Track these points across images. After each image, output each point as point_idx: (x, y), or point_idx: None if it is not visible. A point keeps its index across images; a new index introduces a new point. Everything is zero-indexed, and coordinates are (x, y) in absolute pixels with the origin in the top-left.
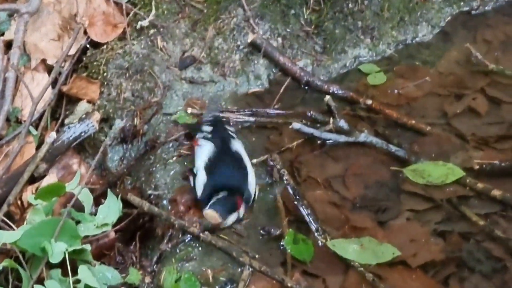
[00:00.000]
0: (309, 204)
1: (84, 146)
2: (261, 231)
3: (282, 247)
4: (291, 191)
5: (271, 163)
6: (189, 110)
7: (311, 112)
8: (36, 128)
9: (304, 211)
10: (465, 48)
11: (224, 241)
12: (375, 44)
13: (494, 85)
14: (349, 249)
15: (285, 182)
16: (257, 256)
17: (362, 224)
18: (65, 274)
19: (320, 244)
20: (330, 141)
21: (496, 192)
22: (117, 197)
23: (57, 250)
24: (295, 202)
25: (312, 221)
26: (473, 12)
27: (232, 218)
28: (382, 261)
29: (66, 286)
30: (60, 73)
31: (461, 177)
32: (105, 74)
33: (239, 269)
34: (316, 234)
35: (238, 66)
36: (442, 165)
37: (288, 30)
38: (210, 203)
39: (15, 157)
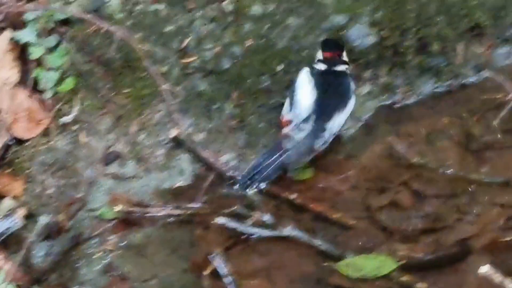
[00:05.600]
0: None
1: (8, 243)
2: None
3: None
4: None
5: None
6: (115, 207)
7: (236, 207)
8: None
9: None
10: (388, 141)
11: None
12: None
13: (418, 178)
14: None
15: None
16: None
17: None
18: None
19: None
20: (254, 235)
21: (421, 285)
22: None
23: None
24: None
25: None
26: (396, 105)
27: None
28: None
29: None
30: None
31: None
32: (29, 170)
33: None
34: None
35: (162, 161)
36: (374, 257)
37: (211, 125)
38: None
39: None
